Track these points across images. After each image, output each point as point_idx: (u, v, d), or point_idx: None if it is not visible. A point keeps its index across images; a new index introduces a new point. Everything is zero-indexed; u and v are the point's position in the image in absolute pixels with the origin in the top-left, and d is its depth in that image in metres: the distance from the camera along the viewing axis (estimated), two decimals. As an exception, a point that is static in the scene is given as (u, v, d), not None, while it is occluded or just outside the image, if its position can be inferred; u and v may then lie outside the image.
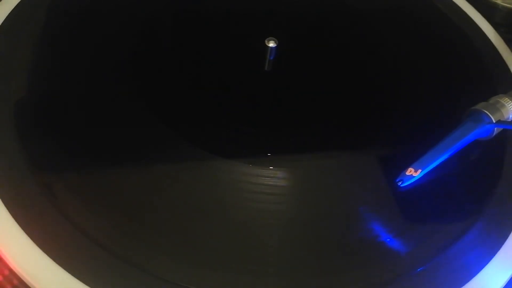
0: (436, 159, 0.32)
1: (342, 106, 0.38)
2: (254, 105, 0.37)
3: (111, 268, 0.26)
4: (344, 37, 0.44)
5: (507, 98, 0.34)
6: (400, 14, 0.47)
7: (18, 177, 0.28)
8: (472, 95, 0.37)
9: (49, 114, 0.32)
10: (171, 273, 0.26)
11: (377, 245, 0.29)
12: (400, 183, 0.32)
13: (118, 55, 0.37)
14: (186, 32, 0.41)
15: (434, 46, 0.44)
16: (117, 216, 0.28)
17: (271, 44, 0.38)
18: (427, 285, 0.28)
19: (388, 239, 0.30)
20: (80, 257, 0.26)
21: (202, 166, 0.31)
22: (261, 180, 0.31)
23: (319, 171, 0.33)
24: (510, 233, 0.31)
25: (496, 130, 0.34)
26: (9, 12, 0.37)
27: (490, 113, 0.33)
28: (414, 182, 0.32)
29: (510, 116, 0.34)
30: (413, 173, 0.32)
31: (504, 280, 0.29)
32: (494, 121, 0.33)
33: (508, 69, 0.43)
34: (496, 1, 0.50)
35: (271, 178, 0.32)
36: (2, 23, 0.36)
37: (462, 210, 0.32)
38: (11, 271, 0.26)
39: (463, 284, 0.28)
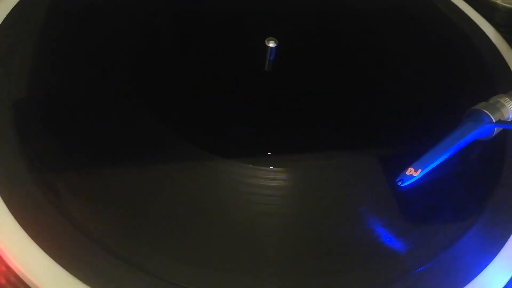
0: (436, 159, 0.32)
1: (342, 106, 0.38)
2: (254, 105, 0.37)
3: (111, 267, 0.26)
4: (344, 37, 0.44)
5: (507, 98, 0.34)
6: (400, 14, 0.47)
7: (18, 176, 0.28)
8: (472, 95, 0.37)
9: (49, 114, 0.32)
10: (171, 273, 0.26)
11: (377, 245, 0.29)
12: (400, 183, 0.32)
13: (118, 55, 0.37)
14: (186, 32, 0.41)
15: (434, 46, 0.44)
16: (117, 216, 0.28)
17: (271, 44, 0.38)
18: (427, 285, 0.28)
19: (388, 239, 0.30)
20: (80, 257, 0.26)
21: (202, 166, 0.31)
22: (261, 180, 0.31)
23: (319, 171, 0.33)
24: (511, 233, 0.31)
25: (496, 130, 0.34)
26: (8, 11, 0.37)
27: (490, 113, 0.33)
28: (414, 182, 0.32)
29: (510, 116, 0.34)
30: (413, 173, 0.32)
31: (505, 280, 0.29)
32: (494, 121, 0.33)
33: (508, 69, 0.43)
34: (496, 1, 0.50)
35: (271, 178, 0.31)
36: (2, 22, 0.36)
37: (462, 210, 0.32)
38: (11, 271, 0.26)
39: (464, 285, 0.28)
